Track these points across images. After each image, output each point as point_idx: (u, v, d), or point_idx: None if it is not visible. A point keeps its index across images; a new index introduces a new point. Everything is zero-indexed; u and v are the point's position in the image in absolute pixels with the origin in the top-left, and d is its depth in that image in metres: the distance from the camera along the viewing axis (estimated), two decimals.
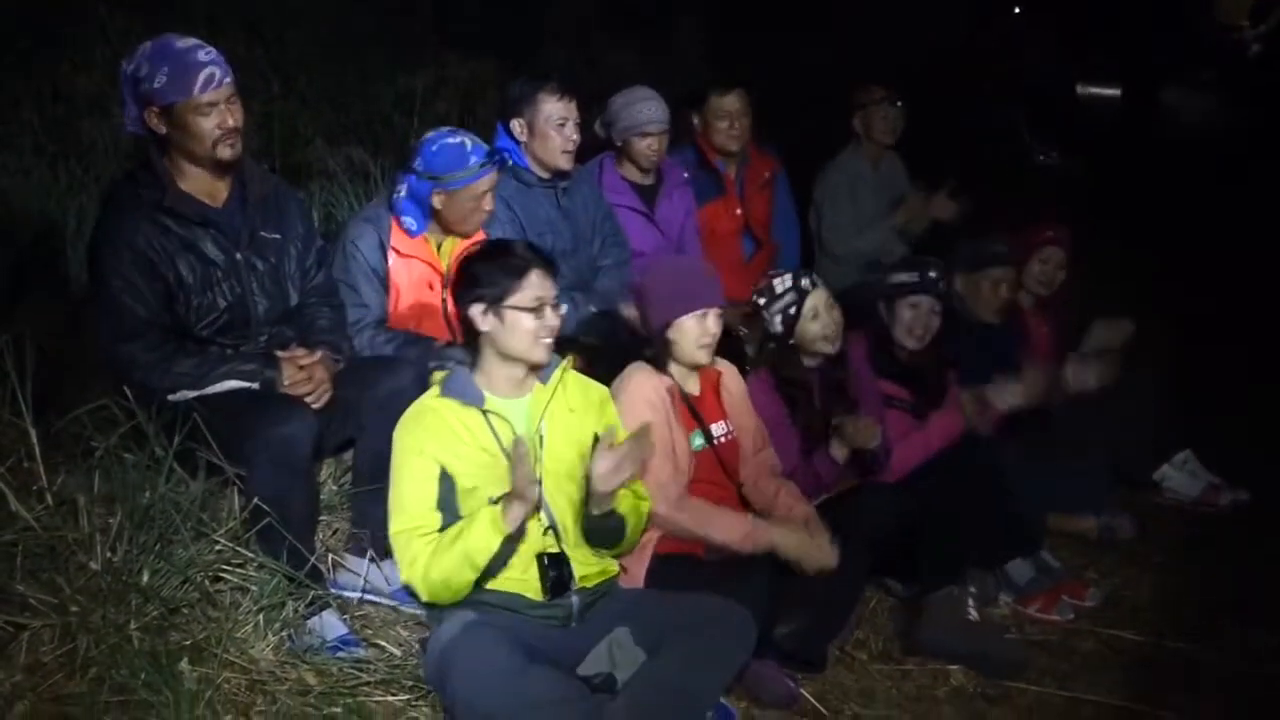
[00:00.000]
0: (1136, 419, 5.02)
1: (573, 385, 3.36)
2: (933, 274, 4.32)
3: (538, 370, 3.28)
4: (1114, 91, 12.17)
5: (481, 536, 3.05)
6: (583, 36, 7.74)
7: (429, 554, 3.09)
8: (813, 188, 5.70)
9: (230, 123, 3.41)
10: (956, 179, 5.67)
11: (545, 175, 4.49)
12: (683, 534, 3.56)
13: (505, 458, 3.13)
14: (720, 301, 3.66)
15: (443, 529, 3.12)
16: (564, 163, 4.46)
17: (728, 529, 3.57)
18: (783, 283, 4.03)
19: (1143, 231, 7.69)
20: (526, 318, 3.17)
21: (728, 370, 3.85)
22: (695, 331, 3.61)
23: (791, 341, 4.02)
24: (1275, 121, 9.68)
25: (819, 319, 3.99)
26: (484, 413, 3.20)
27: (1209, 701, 3.71)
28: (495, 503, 3.09)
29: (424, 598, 3.15)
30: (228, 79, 3.41)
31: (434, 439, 3.16)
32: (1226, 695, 3.74)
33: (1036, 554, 4.33)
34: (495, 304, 3.17)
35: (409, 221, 3.97)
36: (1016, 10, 12.29)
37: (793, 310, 3.98)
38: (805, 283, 4.00)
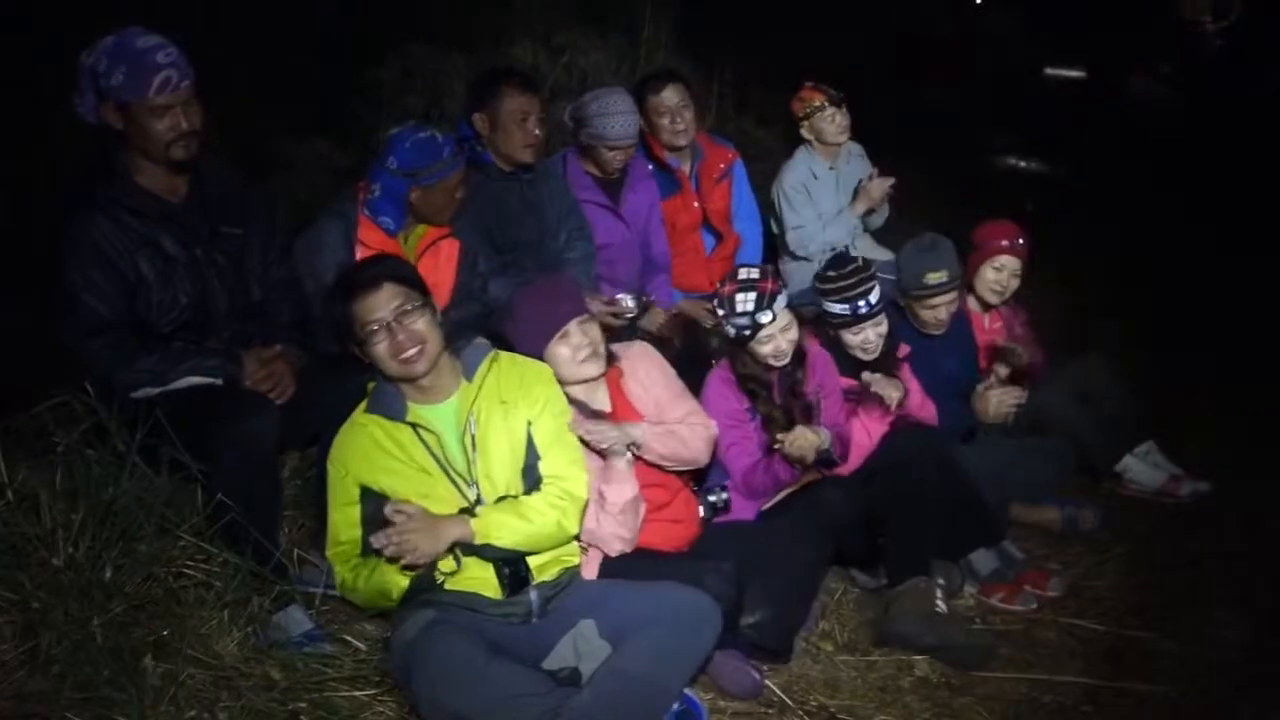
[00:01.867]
0: (1099, 410, 5.06)
1: (507, 372, 3.32)
2: (862, 305, 4.17)
3: (461, 364, 3.27)
4: (1079, 74, 12.23)
5: (390, 579, 3.12)
6: (550, 29, 7.72)
7: (351, 580, 3.16)
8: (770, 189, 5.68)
9: (185, 126, 3.40)
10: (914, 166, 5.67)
11: (509, 169, 4.49)
12: (628, 529, 3.49)
13: (437, 467, 3.16)
14: (580, 308, 3.56)
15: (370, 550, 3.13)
16: (526, 157, 4.46)
17: (620, 489, 3.47)
18: (744, 302, 3.90)
19: (1107, 222, 7.74)
20: (379, 345, 3.14)
21: (628, 358, 3.74)
22: (565, 353, 3.52)
23: (747, 346, 3.99)
24: (1233, 113, 9.78)
25: (772, 343, 3.93)
26: (411, 425, 3.19)
27: (1170, 690, 3.74)
28: None
29: (346, 594, 3.23)
30: (185, 82, 3.40)
31: (359, 458, 3.17)
32: (1187, 684, 3.78)
33: (1000, 544, 4.36)
34: (356, 344, 3.18)
35: (387, 222, 3.94)
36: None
37: (747, 333, 3.92)
38: (763, 317, 3.88)
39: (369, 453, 3.16)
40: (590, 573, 3.48)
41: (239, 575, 3.29)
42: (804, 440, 3.85)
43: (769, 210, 5.64)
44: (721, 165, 5.36)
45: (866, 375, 4.08)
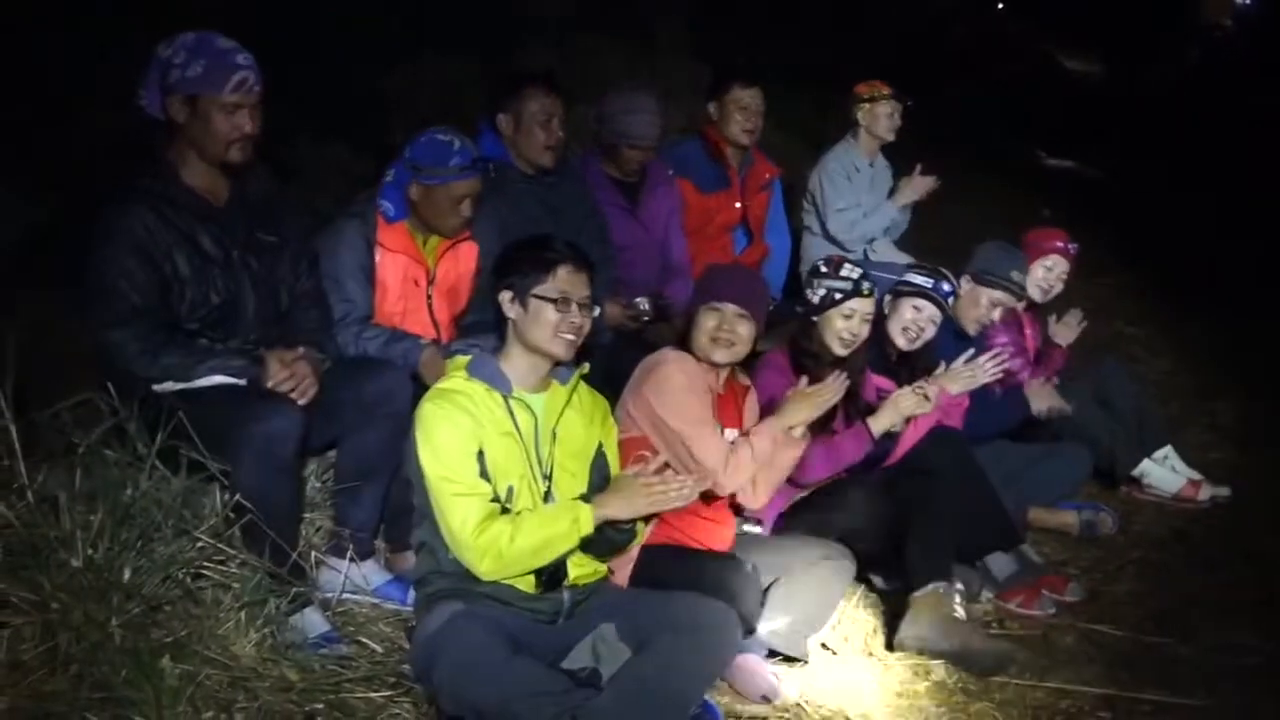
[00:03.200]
0: (1117, 414, 5.05)
1: (584, 392, 3.41)
2: (946, 286, 4.35)
3: (557, 367, 3.31)
4: (1096, 68, 12.19)
5: (564, 533, 3.13)
6: (564, 34, 7.73)
7: (508, 529, 3.10)
8: (806, 182, 5.73)
9: (248, 129, 3.45)
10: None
11: (530, 172, 4.49)
12: (739, 475, 3.60)
13: (523, 447, 3.19)
14: (746, 303, 3.65)
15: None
16: (547, 159, 4.47)
17: (763, 442, 3.62)
18: (851, 271, 4.07)
19: (1125, 223, 7.72)
20: (549, 309, 3.20)
21: (753, 390, 3.90)
22: (709, 325, 3.64)
23: (815, 319, 4.05)
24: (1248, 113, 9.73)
25: (850, 321, 4.03)
26: (508, 399, 3.23)
27: (1188, 695, 3.73)
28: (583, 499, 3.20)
29: (483, 566, 3.11)
30: (257, 87, 3.46)
31: (467, 416, 3.17)
32: (1205, 689, 3.76)
33: (1018, 548, 4.35)
34: (522, 292, 3.22)
35: (386, 206, 3.96)
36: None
37: (838, 296, 4.02)
38: (866, 286, 4.04)
39: (474, 413, 3.18)
40: (622, 579, 3.50)
41: (257, 577, 3.27)
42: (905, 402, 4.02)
43: (799, 208, 5.69)
44: (767, 175, 5.51)
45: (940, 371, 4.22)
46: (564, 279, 3.23)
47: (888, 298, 4.38)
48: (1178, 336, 6.43)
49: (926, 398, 4.04)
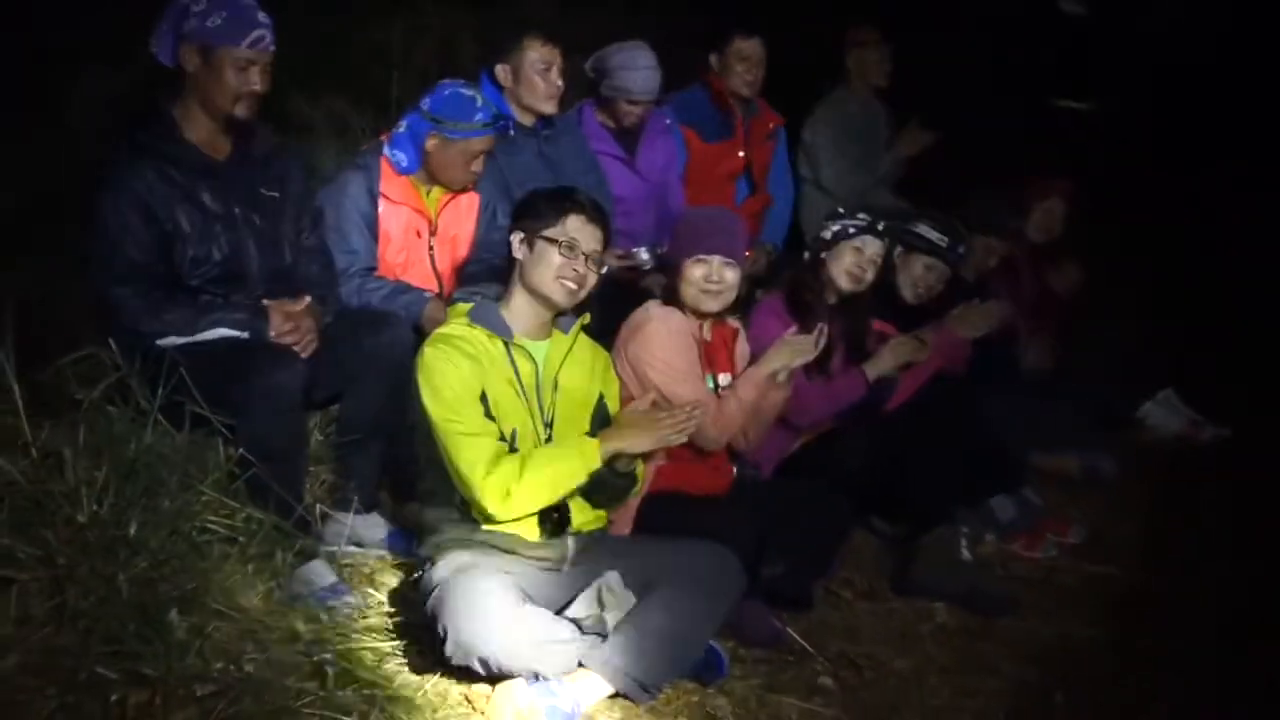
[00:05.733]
0: (1118, 357, 5.05)
1: (584, 343, 3.42)
2: (960, 248, 4.37)
3: (559, 317, 3.33)
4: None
5: (574, 469, 3.16)
6: None
7: (516, 466, 3.12)
8: (800, 133, 5.70)
9: (257, 86, 3.46)
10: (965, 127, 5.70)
11: (528, 123, 4.48)
12: (728, 427, 3.65)
13: (523, 393, 3.22)
14: (730, 251, 3.67)
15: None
16: (549, 108, 4.46)
17: (748, 390, 3.66)
18: (866, 214, 4.11)
19: (1130, 172, 7.67)
20: (553, 252, 3.22)
21: (742, 332, 3.91)
22: (696, 275, 3.65)
23: (824, 256, 4.08)
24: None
25: (856, 256, 4.06)
26: (509, 346, 3.24)
27: (1190, 636, 3.75)
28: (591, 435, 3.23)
29: (493, 505, 3.13)
30: (272, 47, 3.47)
31: (469, 361, 3.19)
32: (1206, 629, 3.79)
33: (1020, 491, 4.36)
34: (531, 234, 3.25)
35: (400, 156, 3.97)
36: None
37: (850, 231, 4.05)
38: (880, 226, 4.08)
39: (474, 357, 3.19)
40: (624, 525, 3.52)
41: (262, 530, 3.28)
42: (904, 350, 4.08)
43: (798, 151, 5.69)
44: (771, 125, 5.50)
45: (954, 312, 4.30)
46: (574, 226, 3.25)
47: (898, 249, 4.38)
48: (1177, 278, 6.41)
49: (923, 343, 4.05)
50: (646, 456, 3.40)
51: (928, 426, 4.03)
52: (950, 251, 4.33)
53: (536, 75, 4.40)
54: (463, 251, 4.11)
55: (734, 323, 3.88)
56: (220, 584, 3.16)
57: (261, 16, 3.45)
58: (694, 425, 3.27)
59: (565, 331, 3.35)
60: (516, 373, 3.24)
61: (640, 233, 4.82)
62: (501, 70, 4.43)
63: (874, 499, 4.03)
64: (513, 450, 3.18)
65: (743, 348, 3.88)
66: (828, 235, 4.08)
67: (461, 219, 4.10)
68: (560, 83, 4.45)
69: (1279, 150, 7.58)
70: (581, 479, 3.18)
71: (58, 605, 2.96)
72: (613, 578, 3.19)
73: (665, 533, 3.42)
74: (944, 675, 3.50)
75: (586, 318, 3.41)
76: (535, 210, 3.30)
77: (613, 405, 3.42)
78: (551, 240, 3.23)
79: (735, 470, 3.86)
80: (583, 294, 3.29)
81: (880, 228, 4.08)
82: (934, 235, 4.34)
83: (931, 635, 3.74)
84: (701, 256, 3.65)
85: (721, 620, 3.31)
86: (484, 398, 3.17)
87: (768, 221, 5.52)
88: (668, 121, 5.07)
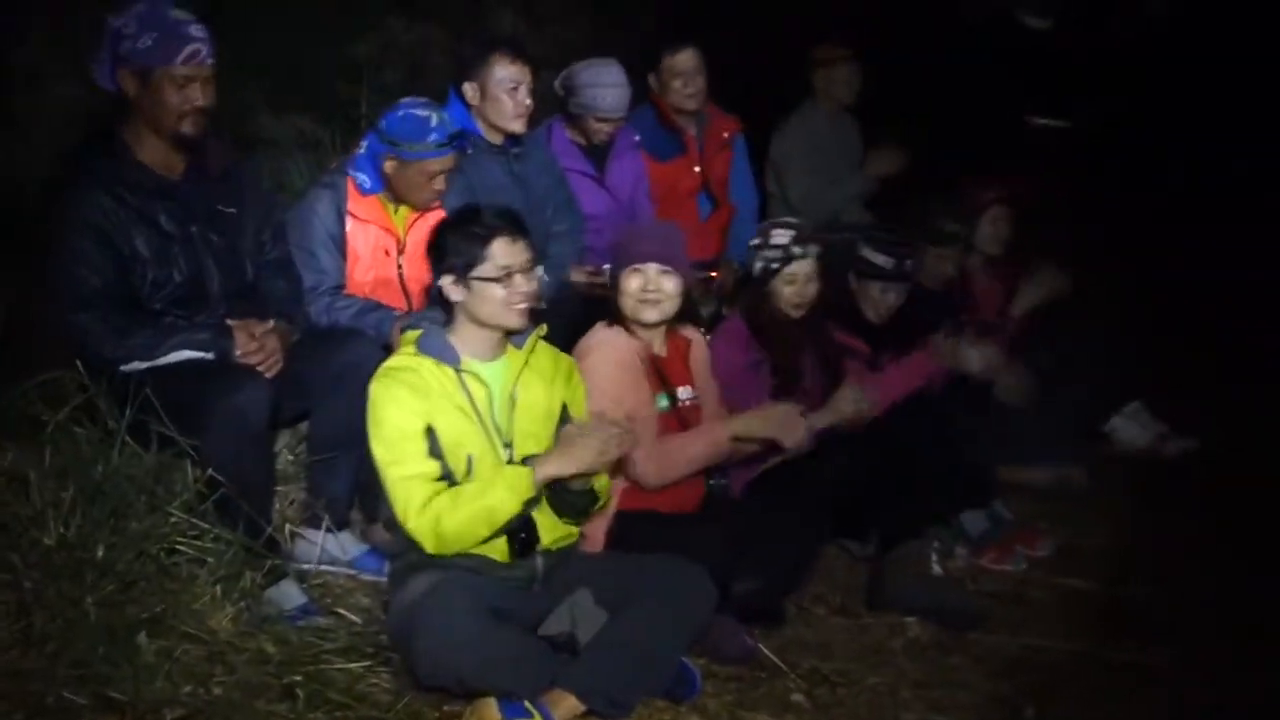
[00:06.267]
0: (1087, 370, 5.08)
1: (543, 353, 3.38)
2: (908, 265, 4.37)
3: (513, 335, 3.29)
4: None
5: (503, 500, 3.09)
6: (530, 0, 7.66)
7: (446, 504, 3.09)
8: (769, 148, 5.70)
9: (200, 102, 3.41)
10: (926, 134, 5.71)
11: (497, 141, 4.46)
12: (667, 474, 3.61)
13: (478, 418, 3.17)
14: (666, 258, 3.66)
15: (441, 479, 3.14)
16: (517, 126, 4.43)
17: (704, 442, 3.66)
18: (781, 236, 4.08)
19: (1096, 179, 7.71)
20: (494, 287, 3.17)
21: (697, 340, 3.89)
22: (632, 287, 3.64)
23: (765, 290, 4.07)
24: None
25: (794, 285, 4.04)
26: (459, 372, 3.20)
27: (1160, 646, 3.76)
28: (523, 463, 3.15)
29: (429, 546, 3.12)
30: (210, 60, 3.42)
31: (414, 394, 3.15)
32: (1176, 641, 3.80)
33: (990, 505, 4.38)
34: (463, 274, 3.18)
35: (361, 178, 3.95)
36: None
37: (774, 266, 4.04)
38: (797, 250, 4.04)
39: (423, 389, 3.15)
40: (595, 544, 3.52)
41: (231, 550, 3.28)
42: (848, 404, 3.99)
43: (766, 168, 5.68)
44: (725, 134, 5.42)
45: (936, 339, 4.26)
46: (501, 252, 3.18)
47: (852, 275, 4.40)
48: (1144, 292, 6.45)
49: (862, 401, 4.02)
50: (615, 470, 3.40)
51: (899, 442, 4.04)
52: (897, 273, 4.34)
53: (504, 94, 4.37)
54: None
55: (688, 332, 3.86)
56: (189, 606, 3.15)
57: (194, 30, 3.39)
58: (628, 443, 3.22)
59: (519, 347, 3.31)
60: (470, 397, 3.19)
61: (610, 249, 4.81)
62: (469, 88, 4.40)
63: (845, 514, 4.03)
64: (455, 482, 3.14)
65: (699, 354, 3.86)
66: (757, 273, 4.08)
67: (431, 236, 4.06)
68: (529, 101, 4.41)
69: (1251, 164, 7.66)
70: (515, 508, 3.11)
71: (24, 628, 2.95)
72: (584, 595, 3.19)
73: (637, 550, 3.40)
74: (916, 690, 3.50)
75: (543, 329, 3.36)
76: (455, 249, 3.20)
77: (577, 411, 3.38)
78: (488, 278, 3.17)
79: (706, 486, 3.86)
80: (530, 306, 3.25)
81: (796, 250, 4.03)
82: (880, 259, 4.34)
83: (904, 650, 3.74)
84: (637, 266, 3.64)
85: (693, 636, 3.32)
86: (431, 431, 3.13)
87: (732, 232, 5.42)
88: (637, 138, 5.06)
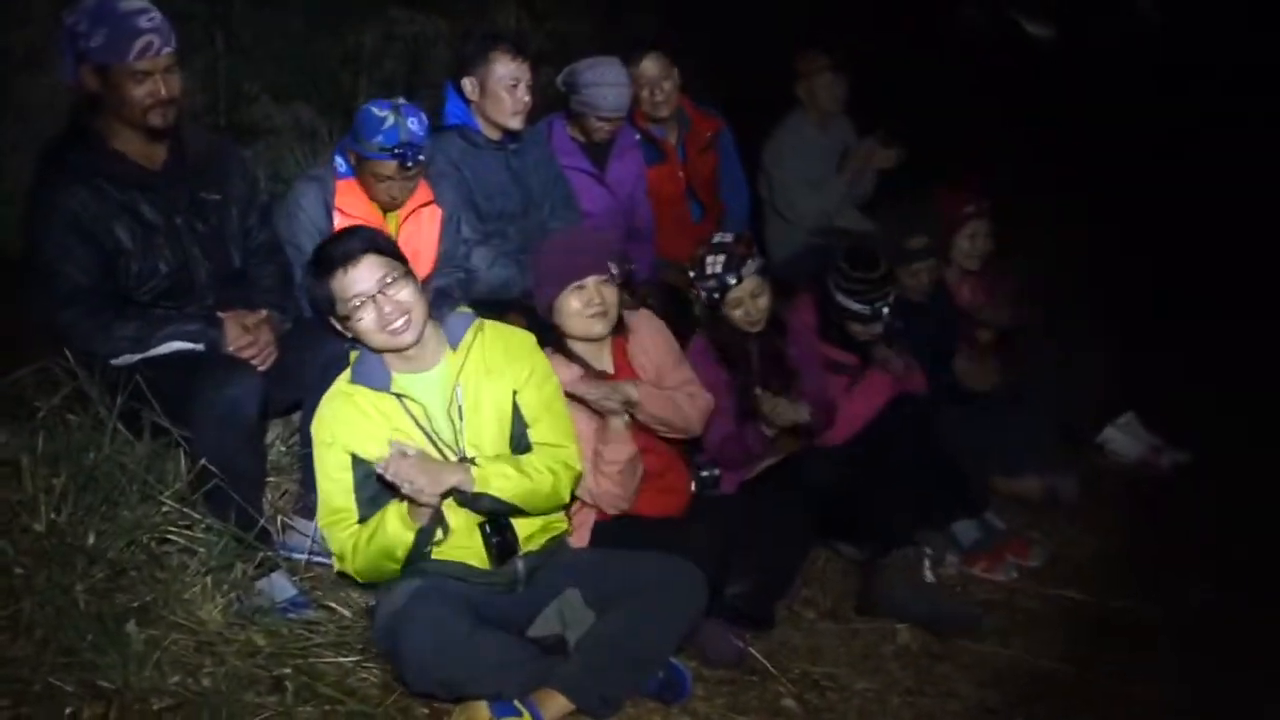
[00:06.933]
0: (1080, 381, 5.08)
1: (492, 341, 3.26)
2: (882, 309, 4.24)
3: (441, 334, 3.21)
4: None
5: (394, 532, 3.06)
6: None
7: (351, 546, 3.10)
8: (761, 151, 5.69)
9: (164, 93, 3.34)
10: (898, 131, 5.68)
11: (495, 136, 4.44)
12: (624, 488, 3.54)
13: (424, 437, 3.12)
14: (600, 268, 3.57)
15: (363, 517, 3.11)
16: (515, 123, 4.40)
17: (618, 449, 3.52)
18: (713, 264, 4.00)
19: (1087, 186, 7.72)
20: (364, 319, 3.08)
21: (638, 323, 3.78)
22: (576, 305, 3.55)
23: (716, 315, 4.03)
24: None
25: (742, 307, 4.00)
26: (395, 395, 3.15)
27: (1149, 659, 3.77)
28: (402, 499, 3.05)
29: (360, 581, 3.19)
30: (167, 48, 3.33)
31: (344, 426, 3.12)
32: (1166, 652, 3.81)
33: (981, 514, 4.38)
34: (330, 319, 3.15)
35: (339, 161, 3.92)
36: None
37: (716, 296, 4.00)
38: (730, 279, 3.97)
39: (354, 422, 3.12)
40: (581, 540, 3.50)
41: (222, 541, 3.26)
42: (781, 410, 3.93)
43: (758, 173, 5.64)
44: (708, 134, 5.32)
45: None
46: (344, 286, 3.07)
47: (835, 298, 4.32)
48: (1139, 302, 6.47)
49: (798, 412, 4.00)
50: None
51: (891, 450, 4.05)
52: (874, 315, 4.25)
53: (504, 90, 4.34)
54: (426, 266, 4.06)
55: (624, 333, 3.73)
56: (179, 596, 3.14)
57: (144, 21, 3.29)
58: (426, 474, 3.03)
59: (455, 346, 3.21)
60: (412, 417, 3.14)
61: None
62: (469, 83, 4.37)
63: (837, 520, 4.02)
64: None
65: (644, 338, 3.74)
66: (704, 302, 4.03)
67: (423, 232, 4.02)
68: (528, 99, 4.37)
69: (1248, 174, 7.68)
70: (408, 539, 3.04)
71: (13, 615, 2.94)
72: (572, 595, 3.19)
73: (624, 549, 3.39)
74: (906, 697, 3.50)
75: (479, 322, 3.27)
76: (320, 301, 3.14)
77: (539, 385, 3.26)
78: (342, 316, 3.10)
79: (695, 488, 3.85)
80: (416, 314, 3.10)
81: (729, 278, 3.95)
82: (854, 305, 4.25)
83: (894, 656, 3.74)
84: (577, 284, 3.55)
85: (683, 632, 3.31)
86: (362, 462, 3.08)
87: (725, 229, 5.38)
88: (637, 137, 5.04)
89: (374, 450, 3.08)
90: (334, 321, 3.16)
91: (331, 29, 6.11)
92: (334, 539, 3.14)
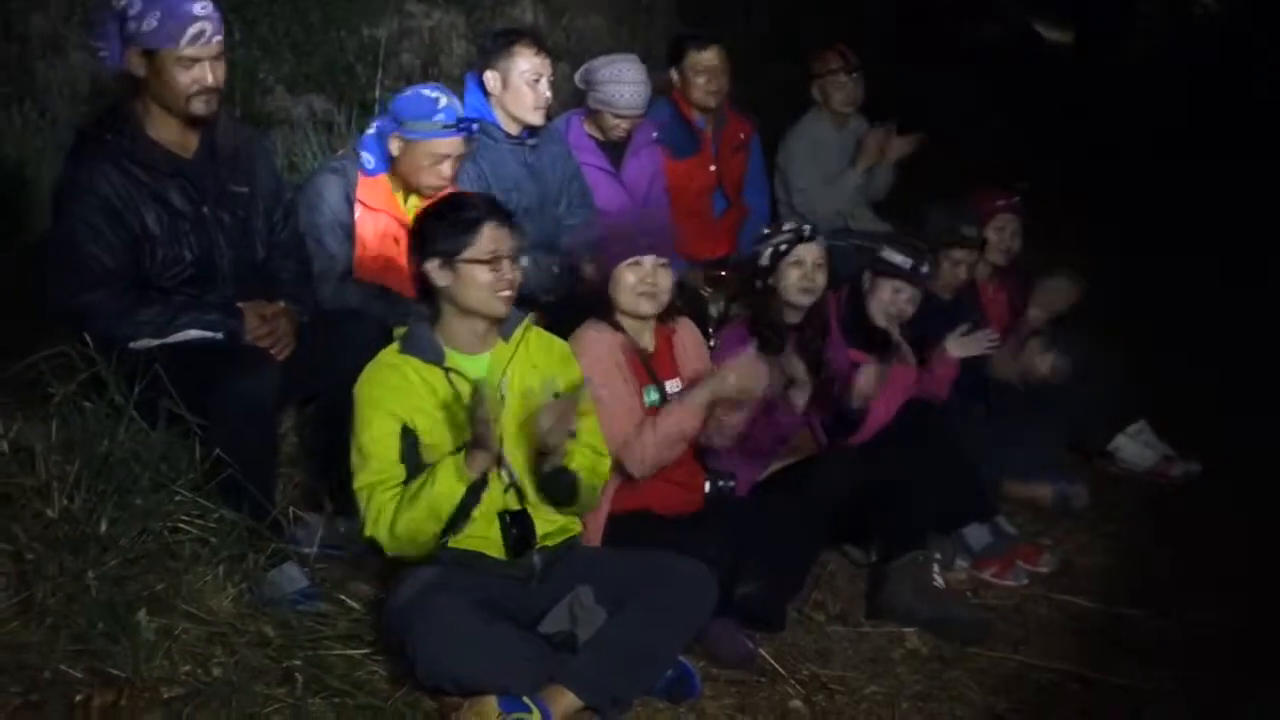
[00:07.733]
0: (1092, 388, 5.06)
1: (535, 342, 3.35)
2: (925, 268, 4.33)
3: (499, 325, 3.26)
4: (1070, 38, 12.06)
5: (445, 485, 3.05)
6: None
7: (393, 508, 3.08)
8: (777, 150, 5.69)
9: (210, 81, 3.37)
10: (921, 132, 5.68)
11: (514, 131, 4.45)
12: (654, 461, 3.57)
13: (465, 413, 3.11)
14: (663, 252, 3.66)
15: (406, 483, 3.11)
16: (536, 119, 4.42)
17: (679, 412, 3.58)
18: (789, 223, 4.13)
19: (1106, 196, 7.71)
20: (482, 271, 3.16)
21: (684, 327, 3.86)
22: (630, 280, 3.62)
23: (771, 282, 4.03)
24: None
25: (802, 267, 4.01)
26: (445, 370, 3.18)
27: (1159, 668, 3.76)
28: (457, 452, 3.08)
29: (388, 551, 3.14)
30: (217, 37, 3.37)
31: (393, 395, 3.14)
32: (1176, 661, 3.79)
33: (993, 519, 4.37)
34: (450, 258, 3.16)
35: (366, 158, 3.95)
36: None
37: (783, 248, 4.02)
38: (806, 229, 4.06)
39: (404, 390, 3.14)
40: (593, 538, 3.49)
41: (234, 532, 3.26)
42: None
43: (774, 174, 5.64)
44: (741, 135, 5.42)
45: (897, 337, 4.23)
46: (491, 237, 3.18)
47: (866, 274, 4.38)
48: (1153, 311, 6.45)
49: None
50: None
51: (903, 454, 4.03)
52: (915, 272, 4.32)
53: (525, 85, 4.37)
54: None
55: (675, 323, 3.82)
56: (190, 585, 3.15)
57: (198, 8, 3.32)
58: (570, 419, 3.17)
59: (507, 339, 3.29)
60: (458, 394, 3.16)
61: (602, 242, 4.77)
62: (491, 76, 4.39)
63: (848, 522, 4.02)
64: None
65: (688, 344, 3.82)
66: (764, 261, 4.05)
67: None
68: (549, 94, 4.41)
69: (1259, 181, 7.67)
70: (459, 492, 3.06)
71: (24, 601, 2.94)
72: (584, 592, 3.18)
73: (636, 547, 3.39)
74: (914, 702, 3.49)
75: (532, 317, 3.36)
76: (443, 234, 3.18)
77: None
78: (477, 260, 3.15)
79: (709, 487, 3.84)
80: (515, 295, 3.24)
81: (805, 230, 4.06)
82: (898, 258, 4.31)
83: (903, 660, 3.73)
84: (635, 260, 3.63)
85: (692, 635, 3.32)
86: (410, 432, 3.12)
87: (745, 232, 5.36)
88: (654, 134, 5.04)
89: (420, 421, 3.12)
90: (432, 266, 3.18)
91: (349, 21, 6.13)
92: (374, 501, 3.10)
